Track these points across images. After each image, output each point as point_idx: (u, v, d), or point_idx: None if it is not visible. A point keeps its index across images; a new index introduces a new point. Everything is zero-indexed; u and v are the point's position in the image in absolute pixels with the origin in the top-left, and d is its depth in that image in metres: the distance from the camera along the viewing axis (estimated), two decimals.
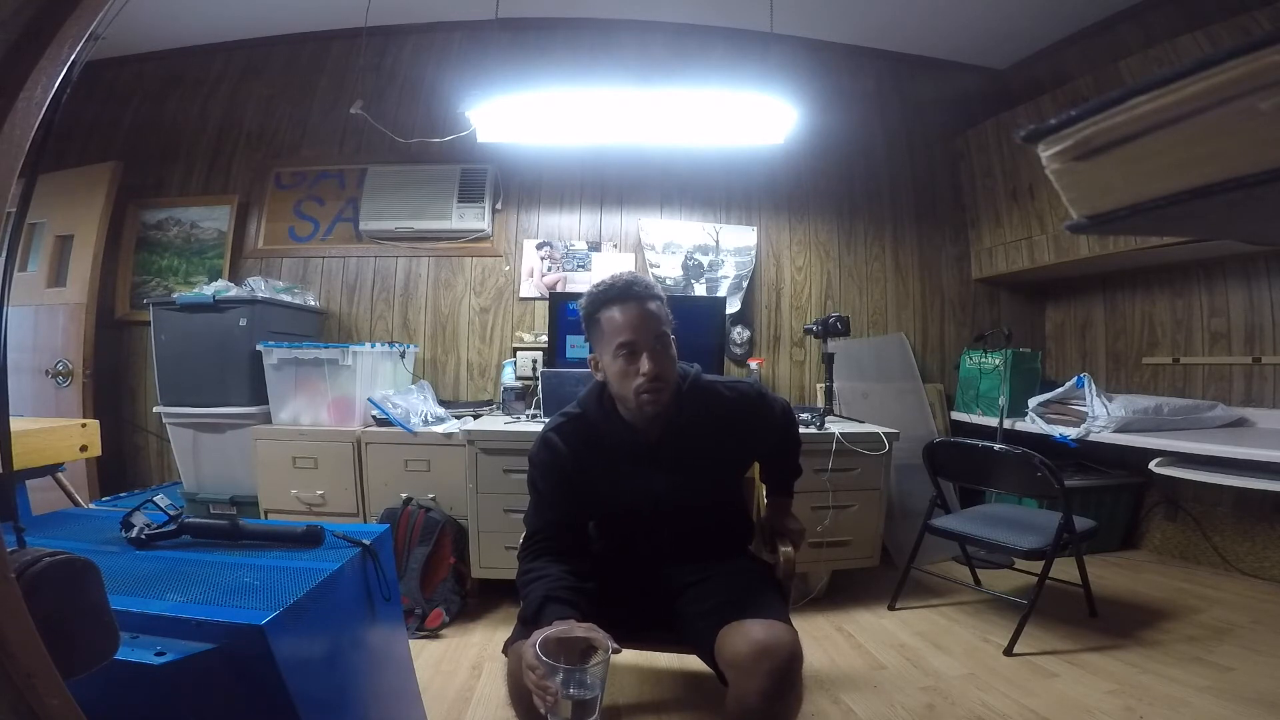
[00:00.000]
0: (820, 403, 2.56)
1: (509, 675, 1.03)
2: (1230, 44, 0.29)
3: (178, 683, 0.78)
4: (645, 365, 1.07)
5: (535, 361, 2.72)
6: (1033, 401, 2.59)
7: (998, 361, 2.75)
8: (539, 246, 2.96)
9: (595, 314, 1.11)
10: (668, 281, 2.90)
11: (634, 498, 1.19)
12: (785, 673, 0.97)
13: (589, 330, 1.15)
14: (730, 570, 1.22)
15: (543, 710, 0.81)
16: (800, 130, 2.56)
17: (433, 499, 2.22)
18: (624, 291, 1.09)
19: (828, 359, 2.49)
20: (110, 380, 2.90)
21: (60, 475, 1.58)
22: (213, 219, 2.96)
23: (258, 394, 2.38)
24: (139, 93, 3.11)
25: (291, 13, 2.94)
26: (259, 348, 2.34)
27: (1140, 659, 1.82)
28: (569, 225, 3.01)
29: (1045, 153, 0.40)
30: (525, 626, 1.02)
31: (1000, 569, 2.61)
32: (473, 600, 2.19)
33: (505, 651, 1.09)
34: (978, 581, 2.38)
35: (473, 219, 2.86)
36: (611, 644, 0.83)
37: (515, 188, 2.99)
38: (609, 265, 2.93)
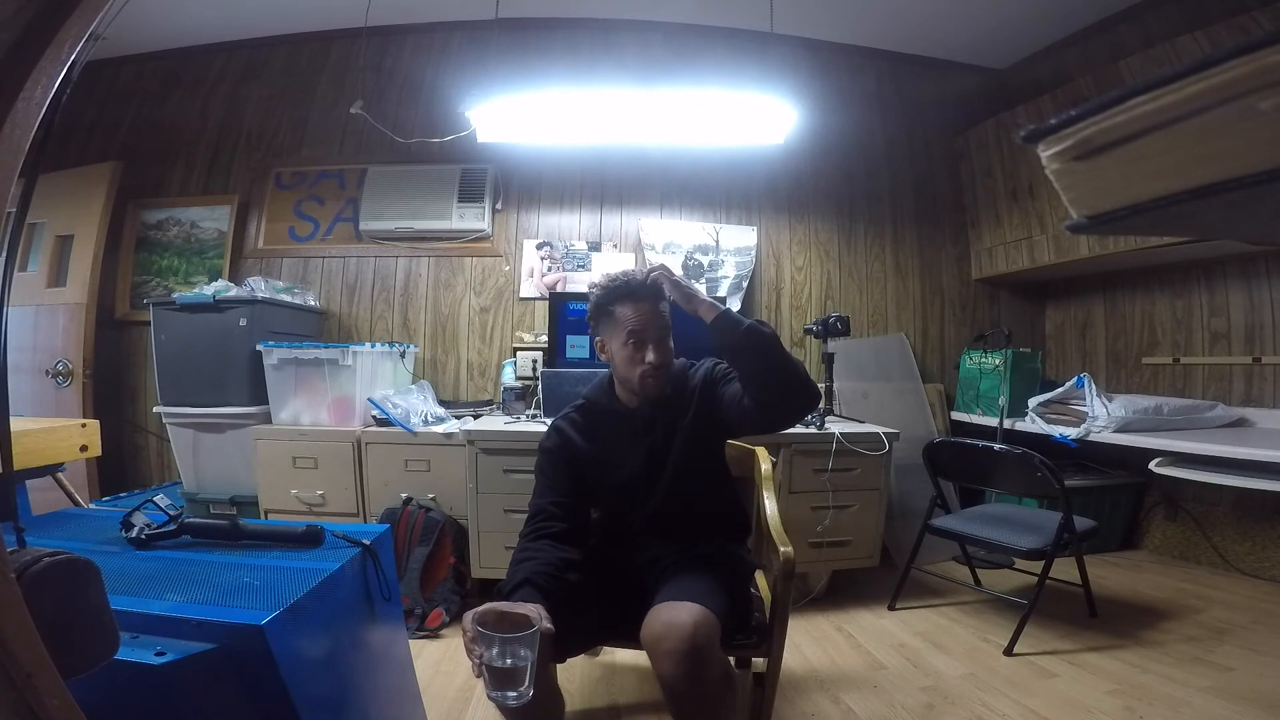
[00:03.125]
0: (820, 403, 2.56)
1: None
2: (1230, 44, 0.29)
3: (178, 683, 0.78)
4: (651, 355, 1.20)
5: (535, 361, 2.72)
6: (1033, 401, 2.59)
7: (998, 361, 2.75)
8: (539, 246, 2.96)
9: (609, 305, 1.22)
10: None
11: (630, 465, 1.28)
12: (686, 654, 0.96)
13: (598, 318, 1.25)
14: (699, 556, 1.23)
15: (475, 674, 0.85)
16: (800, 130, 2.56)
17: (433, 499, 2.22)
18: (637, 290, 1.20)
19: (828, 359, 2.48)
20: (110, 380, 2.90)
21: (60, 475, 1.58)
22: (213, 219, 2.96)
23: (258, 394, 2.38)
24: (139, 93, 3.11)
25: (291, 13, 2.94)
26: (259, 348, 2.34)
27: (1140, 659, 1.82)
28: (569, 225, 3.01)
29: (1045, 153, 0.40)
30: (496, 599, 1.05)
31: (1000, 569, 2.61)
32: (473, 600, 2.18)
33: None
34: (978, 581, 2.38)
35: (473, 219, 2.86)
36: (545, 623, 0.87)
37: (515, 188, 2.99)
38: (609, 265, 2.93)
